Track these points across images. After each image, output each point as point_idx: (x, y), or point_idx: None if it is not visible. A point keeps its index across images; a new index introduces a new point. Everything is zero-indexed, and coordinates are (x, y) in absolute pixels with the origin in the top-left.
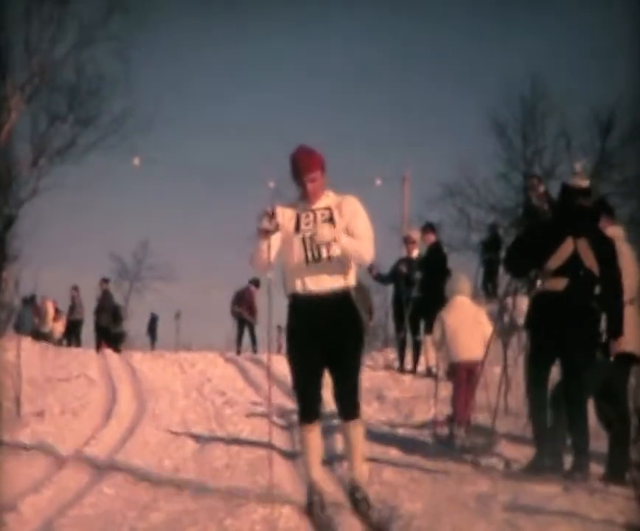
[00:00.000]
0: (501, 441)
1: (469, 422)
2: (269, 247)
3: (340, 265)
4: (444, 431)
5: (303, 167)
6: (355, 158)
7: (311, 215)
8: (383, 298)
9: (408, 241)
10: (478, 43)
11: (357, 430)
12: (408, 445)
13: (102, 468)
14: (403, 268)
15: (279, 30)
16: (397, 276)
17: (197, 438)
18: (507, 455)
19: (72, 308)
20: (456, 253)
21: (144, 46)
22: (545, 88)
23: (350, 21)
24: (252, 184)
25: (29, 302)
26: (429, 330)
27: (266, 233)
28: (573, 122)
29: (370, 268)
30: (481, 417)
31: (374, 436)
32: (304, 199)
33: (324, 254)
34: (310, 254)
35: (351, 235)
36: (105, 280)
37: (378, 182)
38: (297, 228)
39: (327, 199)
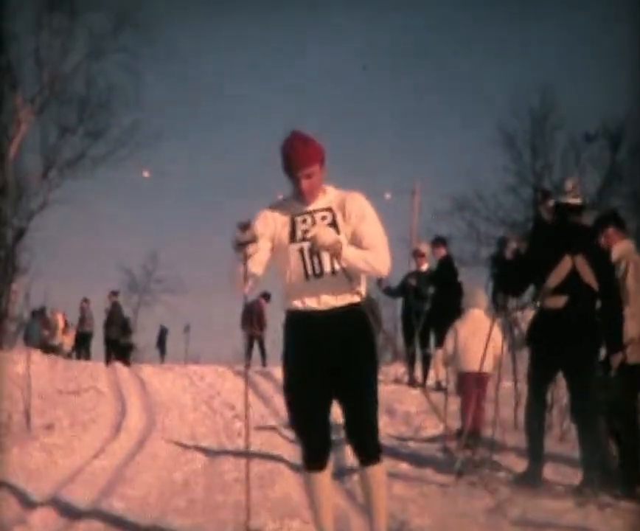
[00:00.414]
0: (509, 455)
1: (478, 435)
2: (246, 263)
3: (348, 279)
4: (453, 444)
5: (297, 160)
6: (364, 171)
7: (309, 219)
8: (391, 311)
9: (417, 254)
10: (488, 55)
11: (378, 477)
12: (417, 458)
13: (111, 482)
14: (412, 282)
15: (289, 40)
16: (406, 290)
17: (206, 451)
18: (516, 469)
19: (82, 321)
20: (465, 267)
21: (154, 58)
22: (554, 100)
23: (360, 32)
24: (262, 196)
25: (38, 314)
26: (439, 343)
27: (239, 246)
28: (582, 134)
29: (379, 281)
30: (490, 431)
31: (384, 449)
32: (299, 198)
33: (328, 267)
34: (309, 268)
35: (359, 242)
36: (115, 293)
37: (387, 196)
38: (293, 236)
39: (327, 198)
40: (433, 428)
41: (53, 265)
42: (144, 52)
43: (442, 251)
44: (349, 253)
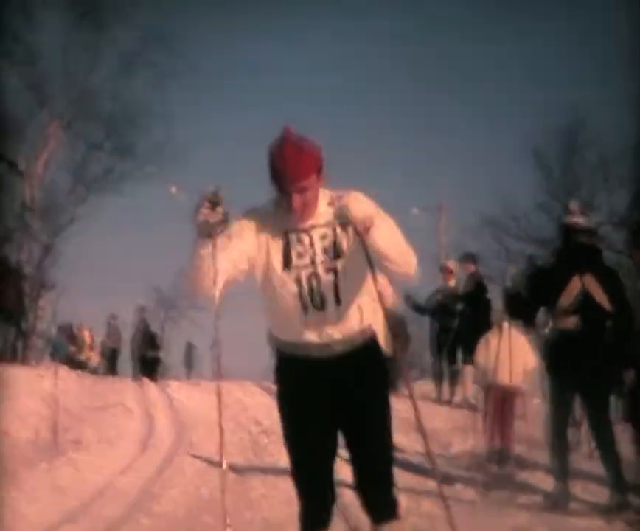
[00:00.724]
0: (538, 472)
1: (506, 451)
2: (215, 253)
3: (359, 306)
4: (482, 461)
5: (288, 171)
6: (390, 186)
7: (306, 239)
8: (419, 328)
9: (445, 271)
10: (517, 69)
11: None
12: (446, 476)
13: (138, 498)
14: (441, 298)
15: (316, 55)
16: (434, 307)
17: (233, 468)
18: (545, 487)
19: (109, 336)
20: (494, 284)
21: (181, 74)
22: (584, 116)
23: (389, 47)
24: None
25: (65, 330)
26: (468, 360)
27: (207, 227)
28: (613, 151)
29: (407, 298)
30: (520, 449)
31: (412, 467)
32: (291, 213)
33: (331, 298)
34: (308, 300)
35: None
36: (142, 308)
37: (415, 211)
38: (287, 260)
39: (327, 211)
40: (461, 444)
41: (80, 280)
42: (172, 68)
43: (471, 268)
44: (380, 234)
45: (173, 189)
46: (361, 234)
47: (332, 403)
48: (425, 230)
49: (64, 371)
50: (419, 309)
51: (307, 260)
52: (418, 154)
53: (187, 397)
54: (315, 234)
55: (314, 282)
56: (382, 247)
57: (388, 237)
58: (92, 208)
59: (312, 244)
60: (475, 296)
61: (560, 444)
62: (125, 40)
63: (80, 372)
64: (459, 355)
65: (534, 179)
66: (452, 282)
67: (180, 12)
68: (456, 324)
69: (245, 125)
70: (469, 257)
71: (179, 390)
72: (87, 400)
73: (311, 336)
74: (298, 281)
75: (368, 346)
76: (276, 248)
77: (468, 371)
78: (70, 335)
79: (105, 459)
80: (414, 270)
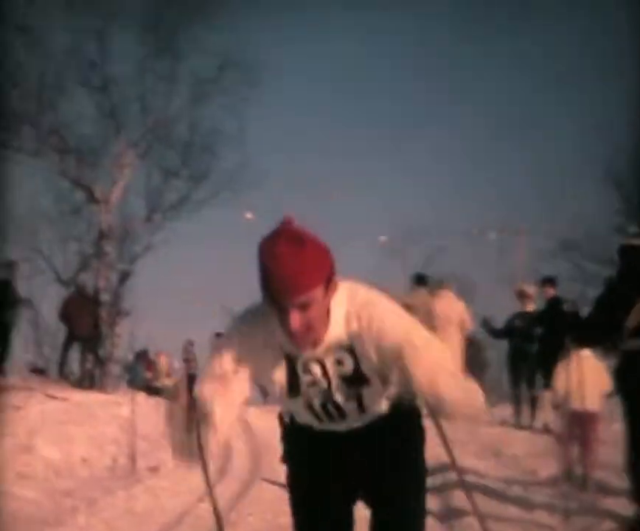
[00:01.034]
0: (620, 499)
1: (587, 478)
2: (202, 437)
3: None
4: (564, 487)
5: (284, 279)
6: (467, 211)
7: (317, 369)
8: (497, 353)
9: (523, 295)
10: (593, 90)
11: None
12: (526, 502)
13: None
14: (519, 323)
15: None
16: (512, 331)
17: None
18: (628, 513)
19: (186, 362)
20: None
21: (257, 101)
22: None
23: (471, 80)
24: (362, 239)
25: (142, 356)
26: (547, 385)
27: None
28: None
29: (485, 322)
30: (602, 475)
31: (491, 492)
32: (289, 336)
33: (352, 409)
34: (324, 417)
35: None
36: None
37: (492, 236)
38: (293, 388)
39: (340, 323)
40: (541, 470)
41: (157, 307)
42: (249, 95)
43: (551, 292)
44: (425, 365)
45: (248, 215)
46: (399, 368)
47: (349, 461)
48: (503, 254)
49: (141, 397)
50: (496, 333)
51: (319, 388)
52: (495, 177)
53: (264, 422)
54: (329, 360)
55: (330, 408)
56: (432, 388)
57: (439, 368)
58: (168, 234)
59: (325, 372)
60: (555, 320)
61: (637, 467)
62: (202, 69)
63: (157, 398)
64: (538, 380)
65: (612, 202)
66: (531, 307)
67: (255, 38)
68: (534, 348)
69: (322, 151)
70: (548, 281)
71: (255, 415)
72: (164, 427)
73: (327, 428)
74: (309, 407)
75: (393, 413)
76: (278, 371)
77: (547, 396)
78: (147, 361)
79: (182, 485)
80: (482, 411)
